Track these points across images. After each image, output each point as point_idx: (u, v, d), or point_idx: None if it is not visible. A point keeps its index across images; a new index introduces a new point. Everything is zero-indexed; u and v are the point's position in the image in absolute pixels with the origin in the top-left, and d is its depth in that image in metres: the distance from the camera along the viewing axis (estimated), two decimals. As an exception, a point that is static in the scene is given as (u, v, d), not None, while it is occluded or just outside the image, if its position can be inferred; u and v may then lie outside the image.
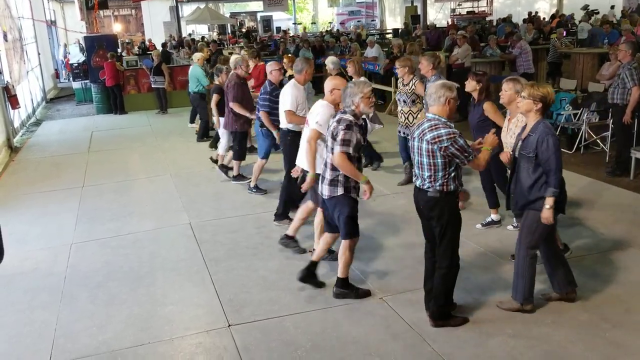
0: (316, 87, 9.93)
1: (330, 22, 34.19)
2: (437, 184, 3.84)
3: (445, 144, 3.73)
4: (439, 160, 3.79)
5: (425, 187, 3.90)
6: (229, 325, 4.28)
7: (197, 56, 11.01)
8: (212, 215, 6.66)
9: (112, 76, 13.66)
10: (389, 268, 5.06)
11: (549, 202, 3.86)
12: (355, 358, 3.81)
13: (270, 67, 6.84)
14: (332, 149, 4.23)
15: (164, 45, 22.50)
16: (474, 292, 4.56)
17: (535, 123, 3.94)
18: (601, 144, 8.36)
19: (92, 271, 5.35)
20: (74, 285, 5.08)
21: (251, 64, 9.38)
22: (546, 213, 3.89)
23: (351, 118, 4.19)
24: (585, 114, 8.65)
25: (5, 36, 12.59)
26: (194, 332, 4.23)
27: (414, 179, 4.08)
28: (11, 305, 4.79)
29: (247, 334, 4.16)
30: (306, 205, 5.29)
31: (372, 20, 34.53)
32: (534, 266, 4.14)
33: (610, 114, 7.90)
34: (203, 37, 26.78)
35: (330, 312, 4.40)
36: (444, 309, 4.10)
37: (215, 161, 8.37)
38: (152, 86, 13.73)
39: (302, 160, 5.19)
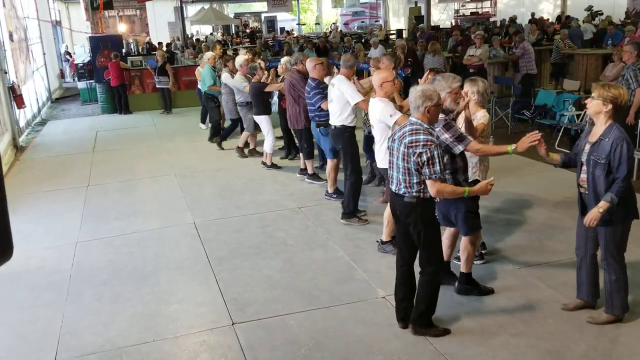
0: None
1: (333, 23, 34.14)
2: (414, 190, 3.71)
3: (420, 150, 3.59)
4: (412, 165, 3.66)
5: (401, 192, 3.77)
6: (233, 324, 4.31)
7: (207, 55, 10.82)
8: (216, 215, 6.69)
9: (117, 76, 13.71)
10: (392, 267, 5.06)
11: (603, 205, 3.67)
12: (359, 357, 3.83)
13: (313, 62, 6.77)
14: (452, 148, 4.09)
15: (168, 45, 22.57)
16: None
17: (607, 127, 3.71)
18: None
19: (97, 269, 5.38)
20: (79, 283, 5.12)
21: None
22: (594, 214, 3.71)
23: (444, 116, 4.08)
24: (589, 115, 8.64)
25: (11, 36, 12.67)
26: (198, 330, 4.26)
27: (389, 183, 3.96)
28: (17, 302, 4.83)
29: (251, 332, 4.18)
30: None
31: (376, 21, 34.51)
32: (626, 274, 3.96)
33: (614, 115, 7.89)
34: (207, 36, 26.82)
35: (334, 310, 4.42)
36: (426, 316, 3.98)
37: (273, 165, 8.47)
38: (157, 86, 13.78)
39: (383, 162, 5.15)
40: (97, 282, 5.12)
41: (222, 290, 4.84)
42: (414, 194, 3.72)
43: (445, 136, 4.06)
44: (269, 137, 8.42)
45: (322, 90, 6.59)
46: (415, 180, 3.70)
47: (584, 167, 3.85)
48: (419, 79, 6.56)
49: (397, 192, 3.83)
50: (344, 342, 4.00)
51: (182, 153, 9.92)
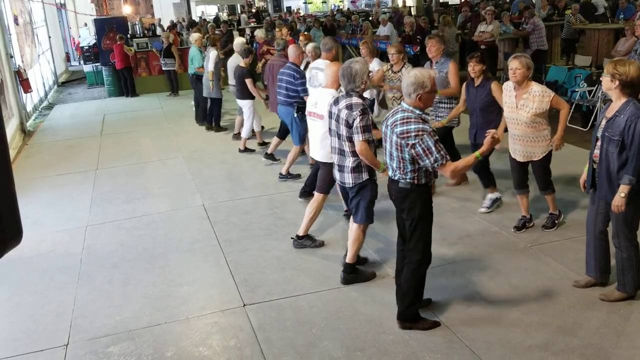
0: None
1: (341, 1, 33.73)
2: (408, 176, 3.62)
3: (412, 141, 3.46)
4: (407, 156, 3.54)
5: (396, 177, 3.69)
6: (244, 305, 4.32)
7: (194, 36, 10.75)
8: (225, 197, 6.68)
9: (122, 59, 13.65)
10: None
11: (623, 189, 3.62)
12: (370, 336, 3.84)
13: (298, 50, 6.75)
14: (348, 137, 4.09)
15: (174, 26, 22.39)
16: (488, 270, 4.56)
17: (623, 103, 3.63)
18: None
19: (107, 252, 5.41)
20: (90, 267, 5.15)
21: None
22: (618, 201, 3.66)
23: (362, 101, 4.07)
24: (601, 91, 8.51)
25: (16, 20, 12.61)
26: (209, 311, 4.28)
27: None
28: (29, 286, 4.87)
29: (262, 313, 4.19)
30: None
31: (384, -1, 34.08)
32: (639, 252, 3.90)
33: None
34: (207, 20, 26.61)
35: (345, 291, 4.42)
36: (412, 309, 3.86)
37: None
38: (163, 69, 13.71)
39: (316, 152, 5.08)
40: (108, 265, 5.14)
41: (232, 272, 4.85)
42: (409, 180, 3.64)
43: (358, 122, 3.99)
44: (248, 122, 8.38)
45: (306, 79, 6.54)
46: (409, 169, 3.60)
47: (599, 143, 3.79)
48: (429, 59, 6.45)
49: (392, 177, 3.75)
50: (355, 322, 4.00)
51: (190, 135, 9.90)
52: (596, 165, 3.84)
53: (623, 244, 3.87)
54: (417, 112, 3.55)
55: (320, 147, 4.97)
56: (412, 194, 3.67)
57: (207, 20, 24.45)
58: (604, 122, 3.76)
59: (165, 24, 22.92)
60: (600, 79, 3.85)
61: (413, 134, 3.46)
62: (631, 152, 3.57)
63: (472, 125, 5.64)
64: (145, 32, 18.52)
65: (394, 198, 3.82)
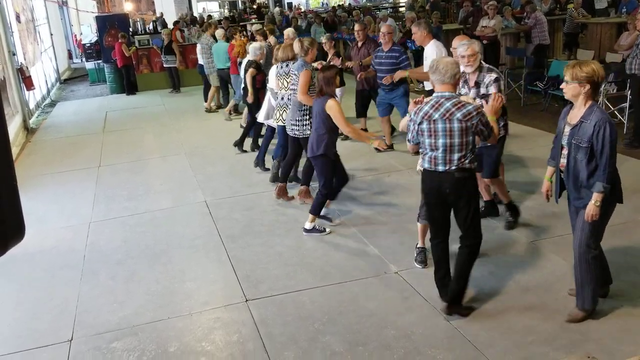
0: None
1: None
2: (467, 161, 3.67)
3: (475, 120, 3.61)
4: (471, 138, 3.66)
5: (452, 168, 3.67)
6: (247, 300, 4.34)
7: (219, 33, 11.08)
8: (227, 193, 6.70)
9: (122, 57, 13.64)
10: (405, 242, 5.07)
11: (597, 198, 3.44)
12: (372, 331, 3.85)
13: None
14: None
15: (176, 23, 22.36)
16: (489, 265, 4.57)
17: (587, 108, 3.46)
18: (619, 116, 8.23)
19: (110, 249, 5.43)
20: (93, 263, 5.17)
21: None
22: (593, 210, 3.46)
23: None
24: (603, 85, 8.50)
25: (18, 17, 12.62)
26: (212, 307, 4.30)
27: (430, 163, 3.76)
28: (33, 282, 4.89)
29: (265, 308, 4.21)
30: None
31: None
32: (598, 267, 3.70)
33: (628, 85, 7.76)
34: (210, 16, 26.58)
35: (347, 286, 4.43)
36: (464, 293, 3.93)
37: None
38: (164, 65, 13.71)
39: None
40: (111, 262, 5.16)
41: (234, 268, 4.86)
42: (467, 165, 3.70)
43: None
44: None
45: None
46: (470, 153, 3.71)
47: (564, 151, 3.61)
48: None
49: (447, 169, 3.70)
50: (357, 317, 4.01)
51: (192, 132, 9.92)
52: (563, 174, 3.69)
53: (585, 256, 3.63)
54: (457, 94, 3.78)
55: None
56: (470, 179, 3.78)
57: (211, 16, 24.41)
58: (567, 129, 3.59)
59: (168, 20, 22.89)
60: (562, 87, 3.61)
61: (474, 113, 3.63)
62: (602, 158, 3.40)
63: None
64: (147, 29, 18.49)
65: (449, 191, 3.75)
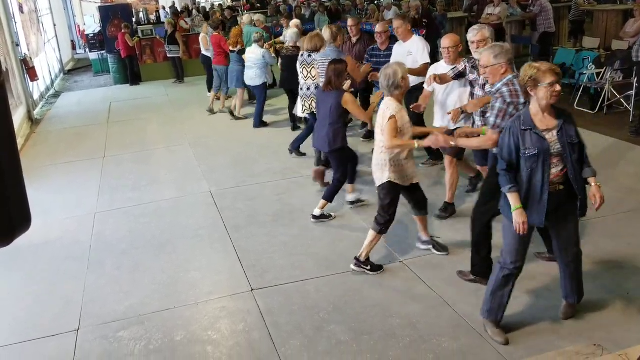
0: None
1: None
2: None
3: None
4: None
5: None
6: (252, 290, 4.35)
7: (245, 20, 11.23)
8: (231, 183, 6.70)
9: (125, 47, 13.61)
10: (410, 232, 5.07)
11: (595, 180, 3.36)
12: (377, 320, 3.86)
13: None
14: None
15: (181, 13, 22.28)
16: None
17: (556, 110, 3.31)
18: (625, 104, 8.18)
19: (116, 239, 5.45)
20: (99, 253, 5.19)
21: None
22: (599, 192, 3.34)
23: None
24: (609, 73, 8.45)
25: (21, 8, 12.60)
26: (217, 296, 4.31)
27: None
28: (39, 273, 4.92)
29: (270, 298, 4.22)
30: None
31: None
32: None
33: (634, 73, 7.71)
34: (211, 7, 26.45)
35: (352, 276, 4.44)
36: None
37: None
38: (168, 55, 13.67)
39: None
40: (116, 252, 5.18)
41: (240, 257, 4.87)
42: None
43: None
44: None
45: None
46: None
47: (555, 160, 3.29)
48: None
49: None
50: (362, 307, 4.02)
51: (196, 122, 9.91)
52: (562, 186, 3.34)
53: (576, 257, 3.60)
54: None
55: None
56: None
57: (214, 5, 24.31)
58: (551, 136, 3.28)
59: (169, 10, 22.78)
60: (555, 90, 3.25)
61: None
62: (583, 147, 3.34)
63: None
64: (150, 19, 18.42)
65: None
